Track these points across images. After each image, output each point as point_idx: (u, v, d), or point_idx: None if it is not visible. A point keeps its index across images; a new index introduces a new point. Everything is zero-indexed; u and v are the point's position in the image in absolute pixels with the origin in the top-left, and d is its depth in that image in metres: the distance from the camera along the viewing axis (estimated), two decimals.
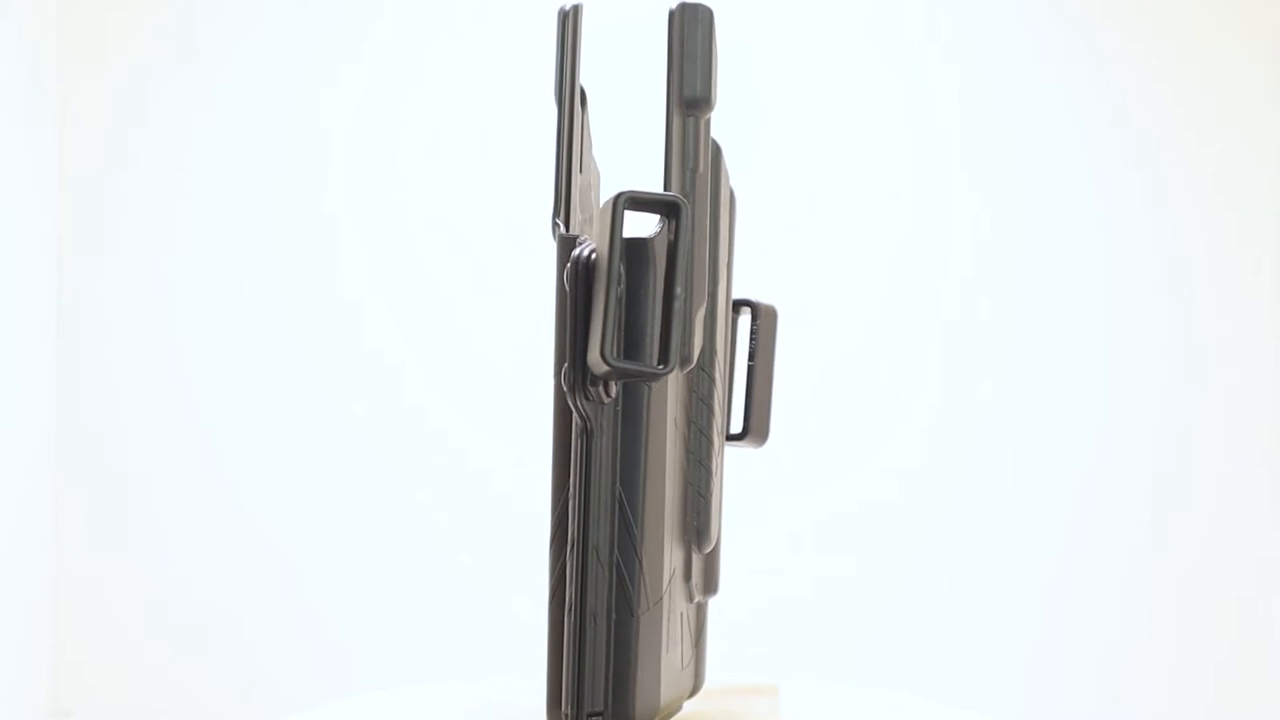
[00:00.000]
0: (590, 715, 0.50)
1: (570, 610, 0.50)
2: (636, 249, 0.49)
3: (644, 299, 0.49)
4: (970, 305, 1.53)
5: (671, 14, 0.52)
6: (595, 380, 0.49)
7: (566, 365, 0.49)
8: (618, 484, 0.51)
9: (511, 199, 1.49)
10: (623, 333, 0.49)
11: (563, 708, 0.49)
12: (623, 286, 0.48)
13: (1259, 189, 1.55)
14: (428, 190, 1.49)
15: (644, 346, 0.48)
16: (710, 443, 0.55)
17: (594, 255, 0.49)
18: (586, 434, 0.50)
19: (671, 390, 0.52)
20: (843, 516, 1.51)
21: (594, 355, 0.47)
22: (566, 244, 0.51)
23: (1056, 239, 1.54)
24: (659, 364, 0.47)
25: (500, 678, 0.64)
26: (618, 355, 0.47)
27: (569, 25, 0.52)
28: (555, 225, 0.52)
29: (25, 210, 1.43)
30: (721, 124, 0.54)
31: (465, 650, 1.48)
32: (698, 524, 0.55)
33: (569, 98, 0.52)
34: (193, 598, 1.48)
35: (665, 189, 0.52)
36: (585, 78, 0.54)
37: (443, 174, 1.49)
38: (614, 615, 0.50)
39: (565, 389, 0.50)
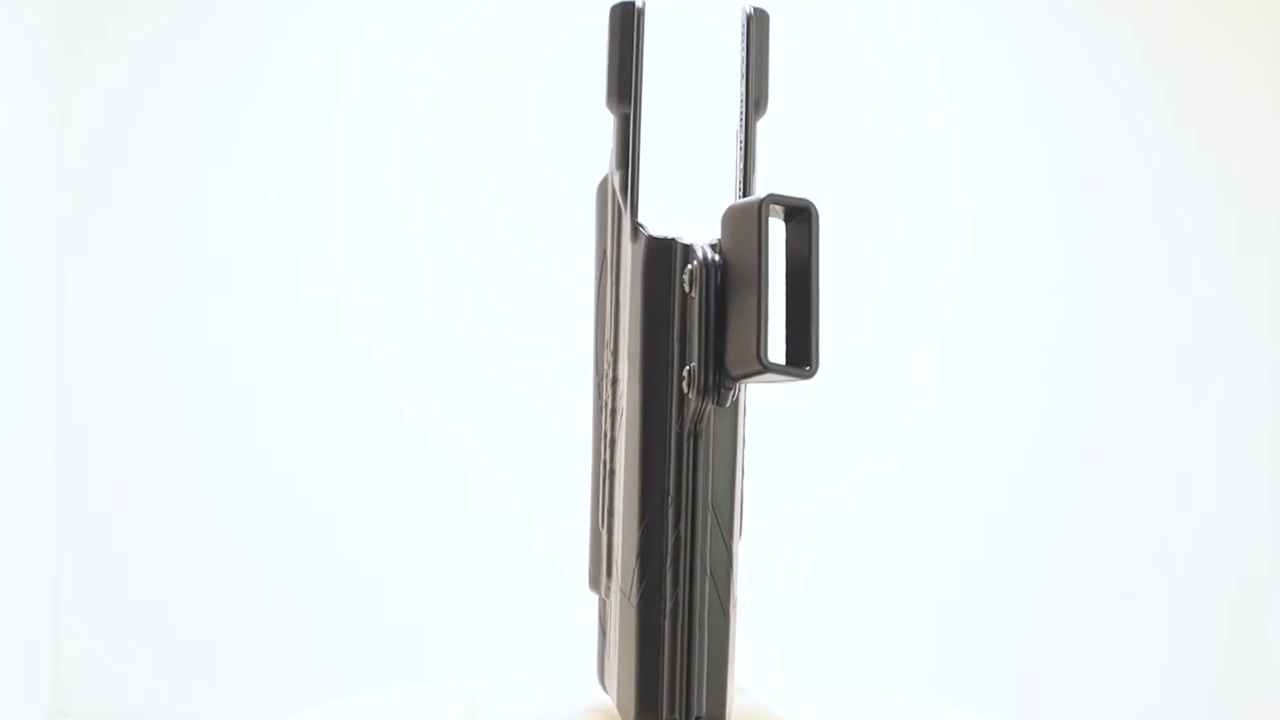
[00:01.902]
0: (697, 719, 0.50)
1: (676, 616, 0.50)
2: None
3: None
4: (969, 305, 1.53)
5: (749, 18, 0.52)
6: (729, 384, 0.48)
7: (691, 367, 0.49)
8: (711, 487, 0.51)
9: (512, 199, 1.49)
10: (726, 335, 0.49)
11: (663, 716, 0.49)
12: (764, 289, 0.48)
13: (1259, 189, 1.55)
14: (427, 192, 1.49)
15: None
16: (743, 441, 0.56)
17: (718, 256, 0.49)
18: (694, 437, 0.50)
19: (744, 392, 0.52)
20: (839, 516, 1.51)
21: (745, 357, 0.47)
22: (662, 246, 0.50)
23: (1055, 239, 1.54)
24: (802, 365, 0.47)
25: (489, 677, 0.64)
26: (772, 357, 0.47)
27: (635, 23, 0.51)
28: (639, 228, 0.51)
29: (24, 209, 1.43)
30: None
31: (466, 652, 1.48)
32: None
33: (636, 96, 0.52)
34: (194, 598, 1.48)
35: (745, 192, 0.52)
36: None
37: (443, 176, 1.49)
38: (712, 619, 0.50)
39: (694, 393, 0.49)
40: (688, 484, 0.50)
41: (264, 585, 1.48)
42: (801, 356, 0.47)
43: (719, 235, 0.50)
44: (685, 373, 0.49)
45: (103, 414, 1.49)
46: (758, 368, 0.47)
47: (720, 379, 0.49)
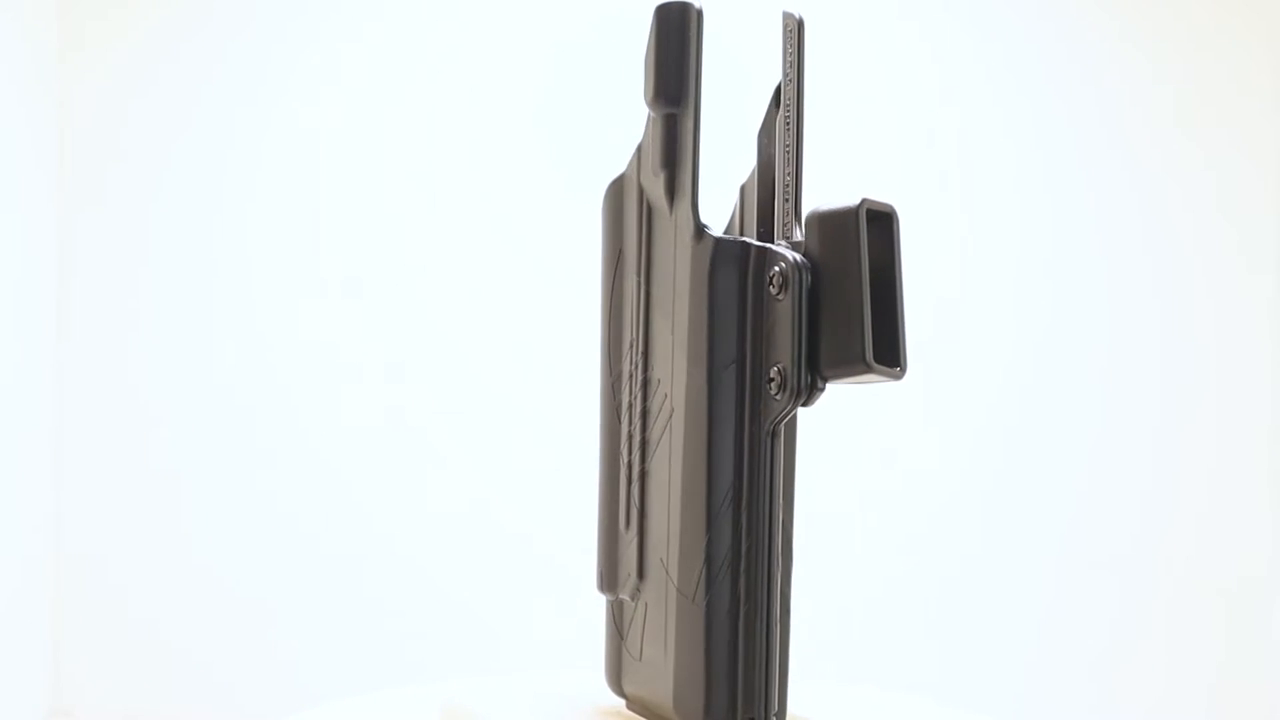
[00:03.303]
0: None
1: (752, 617, 0.51)
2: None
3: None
4: (967, 307, 1.53)
5: (800, 24, 0.53)
6: (821, 384, 0.49)
7: (782, 367, 0.50)
8: (781, 488, 0.52)
9: (506, 198, 1.49)
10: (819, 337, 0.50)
11: (739, 715, 0.50)
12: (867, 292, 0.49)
13: (1259, 191, 1.55)
14: (425, 190, 1.50)
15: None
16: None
17: (805, 259, 0.50)
18: (772, 437, 0.51)
19: None
20: (838, 514, 1.51)
21: (846, 358, 0.48)
22: (732, 247, 0.51)
23: (1053, 239, 1.54)
24: (893, 365, 0.48)
25: (481, 679, 0.64)
26: (872, 359, 0.48)
27: (694, 24, 0.52)
28: (703, 229, 0.52)
29: (24, 206, 1.43)
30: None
31: (464, 655, 1.49)
32: None
33: (696, 97, 0.52)
34: (191, 599, 1.48)
35: (797, 193, 0.54)
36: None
37: (440, 173, 1.50)
38: (782, 618, 0.52)
39: (785, 394, 0.50)
40: (763, 484, 0.51)
41: (262, 587, 1.48)
42: (890, 357, 0.48)
43: (797, 237, 0.51)
44: (775, 372, 0.50)
45: (102, 415, 1.49)
46: (861, 368, 0.48)
47: (813, 380, 0.49)
